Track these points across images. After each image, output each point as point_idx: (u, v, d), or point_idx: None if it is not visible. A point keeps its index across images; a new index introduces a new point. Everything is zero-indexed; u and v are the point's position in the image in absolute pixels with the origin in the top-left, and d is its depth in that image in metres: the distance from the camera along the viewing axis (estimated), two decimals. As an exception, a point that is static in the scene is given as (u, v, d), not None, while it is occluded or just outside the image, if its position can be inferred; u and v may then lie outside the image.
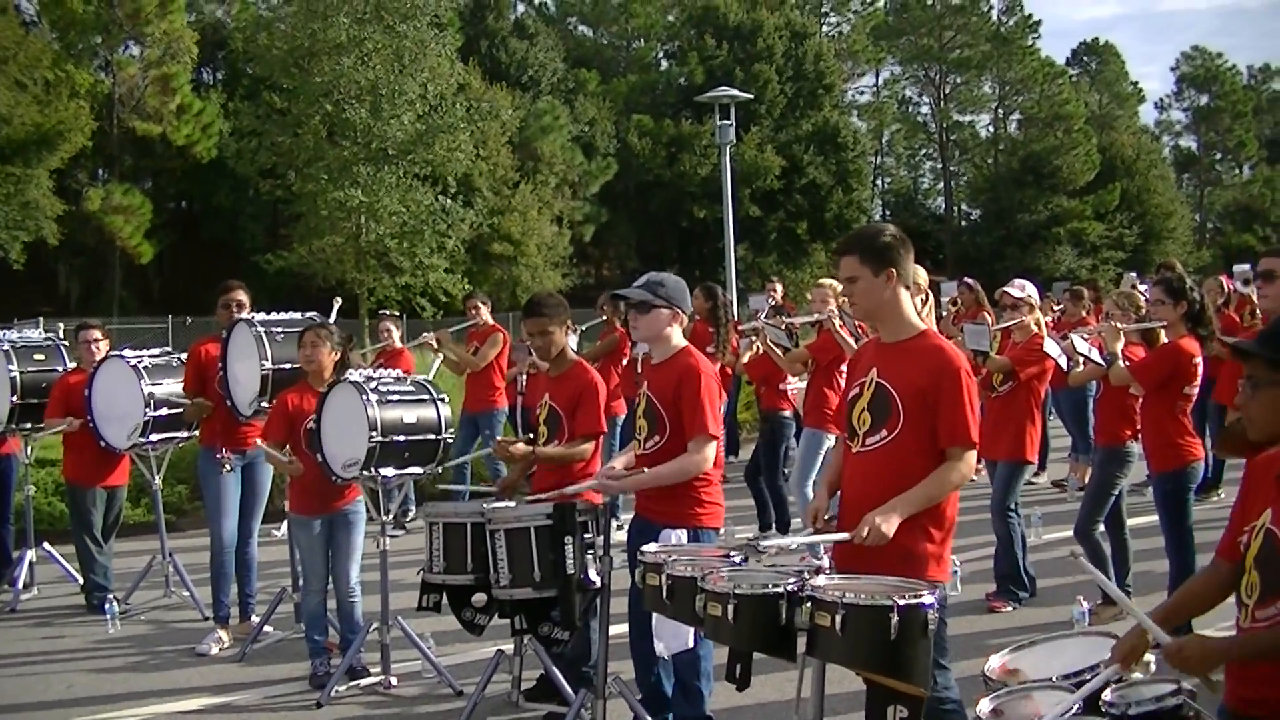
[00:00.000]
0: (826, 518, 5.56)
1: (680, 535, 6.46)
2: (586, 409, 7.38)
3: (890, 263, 5.34)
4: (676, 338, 6.79)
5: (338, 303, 11.25)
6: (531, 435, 7.56)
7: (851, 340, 10.31)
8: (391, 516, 8.29)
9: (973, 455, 5.27)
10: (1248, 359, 3.93)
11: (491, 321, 13.99)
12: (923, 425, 5.23)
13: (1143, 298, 9.49)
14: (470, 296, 14.82)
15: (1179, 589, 4.86)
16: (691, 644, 6.35)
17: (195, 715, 7.93)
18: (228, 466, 9.31)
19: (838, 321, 10.48)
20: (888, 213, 76.04)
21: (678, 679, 6.75)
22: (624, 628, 6.91)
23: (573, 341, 12.48)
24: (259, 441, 8.57)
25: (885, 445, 5.28)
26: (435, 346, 13.92)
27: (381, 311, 16.74)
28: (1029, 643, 5.02)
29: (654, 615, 6.05)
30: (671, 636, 6.28)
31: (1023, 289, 9.98)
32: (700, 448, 6.51)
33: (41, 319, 16.56)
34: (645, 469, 6.53)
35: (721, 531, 6.61)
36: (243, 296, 9.58)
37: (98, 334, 10.71)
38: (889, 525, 5.06)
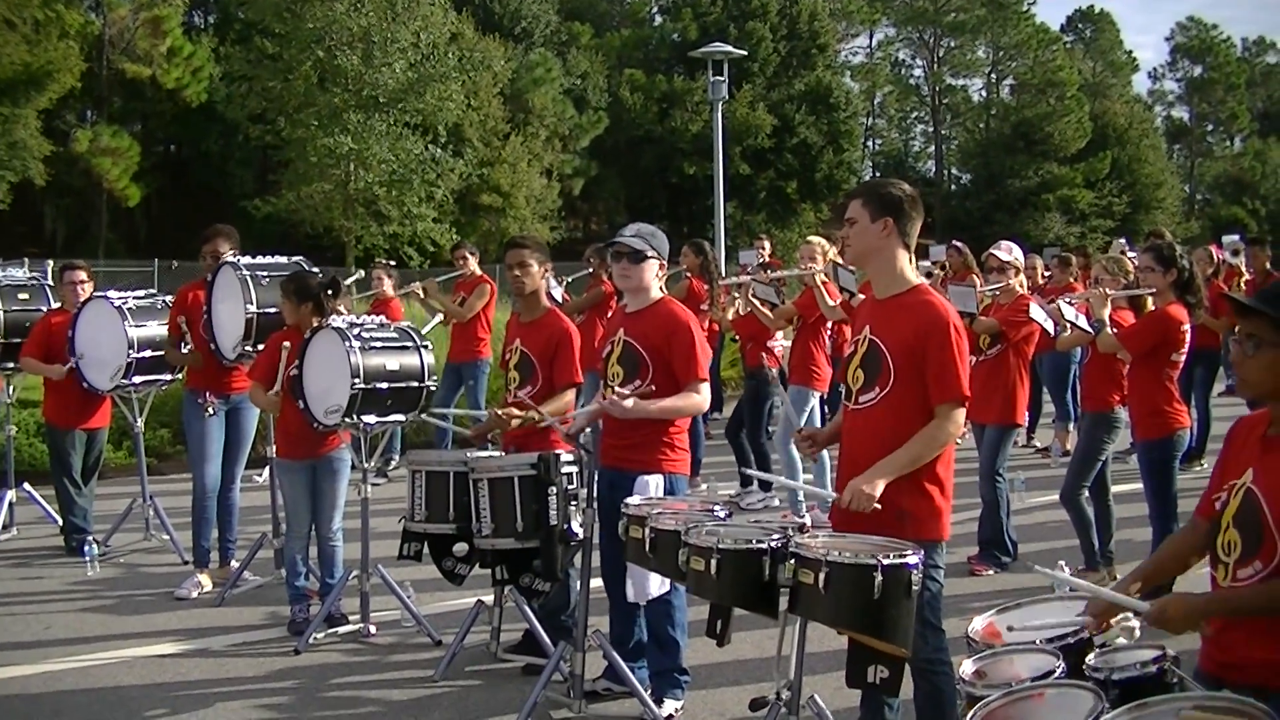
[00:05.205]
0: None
1: (657, 480, 6.49)
2: (564, 359, 7.33)
3: (889, 212, 5.30)
4: (655, 288, 6.82)
5: (351, 277, 11.18)
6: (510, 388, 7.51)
7: (830, 299, 10.32)
8: (374, 464, 8.26)
9: (961, 413, 5.21)
10: (1251, 317, 3.88)
11: (479, 272, 13.90)
12: (915, 381, 5.17)
13: (1131, 264, 9.47)
14: (459, 246, 14.73)
15: (1158, 548, 4.85)
16: (656, 591, 6.38)
17: (172, 659, 7.89)
18: (210, 411, 9.28)
19: (820, 278, 10.46)
20: (878, 174, 75.67)
21: (650, 630, 6.75)
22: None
23: (558, 293, 12.50)
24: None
25: (878, 402, 5.24)
26: (421, 295, 13.87)
27: (378, 260, 16.58)
28: (1013, 605, 5.01)
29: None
30: (641, 581, 6.32)
31: (1010, 251, 9.98)
32: (698, 389, 6.62)
33: (27, 260, 16.43)
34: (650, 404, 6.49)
35: (705, 485, 6.59)
36: (223, 247, 9.43)
37: (83, 274, 10.60)
38: (872, 489, 5.02)
